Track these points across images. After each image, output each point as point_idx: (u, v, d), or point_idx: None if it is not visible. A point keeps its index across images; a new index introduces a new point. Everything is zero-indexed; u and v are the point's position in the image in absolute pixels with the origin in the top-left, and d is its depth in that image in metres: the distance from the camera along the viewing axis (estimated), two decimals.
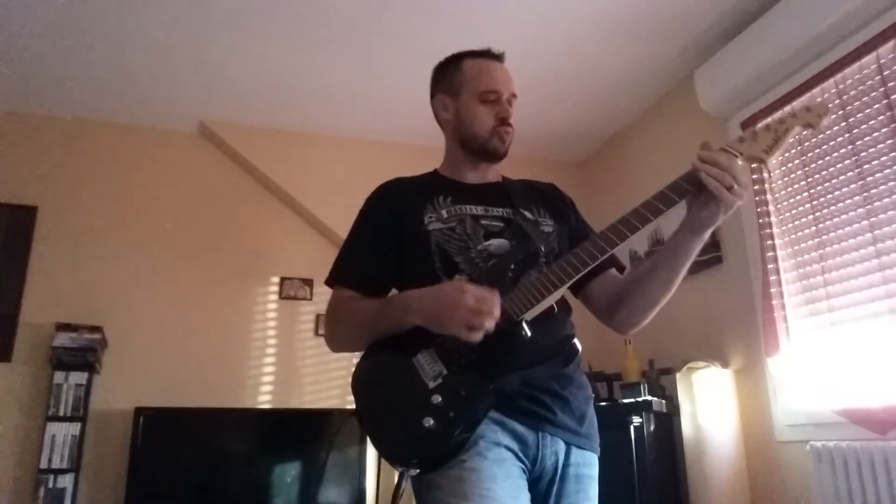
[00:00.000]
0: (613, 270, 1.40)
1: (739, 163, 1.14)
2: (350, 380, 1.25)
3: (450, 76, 1.43)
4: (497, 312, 1.10)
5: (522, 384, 1.19)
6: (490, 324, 1.08)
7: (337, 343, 1.36)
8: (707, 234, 1.20)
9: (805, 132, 1.20)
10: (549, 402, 1.22)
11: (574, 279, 1.16)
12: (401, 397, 1.07)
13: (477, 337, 1.08)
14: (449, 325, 1.10)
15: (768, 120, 1.22)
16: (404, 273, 1.33)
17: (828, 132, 2.67)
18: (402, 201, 1.38)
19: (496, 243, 1.29)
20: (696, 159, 1.13)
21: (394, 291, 1.37)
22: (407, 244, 1.33)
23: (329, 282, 1.39)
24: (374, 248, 1.36)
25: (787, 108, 1.10)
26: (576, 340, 1.15)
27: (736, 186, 1.11)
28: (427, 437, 1.08)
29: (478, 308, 1.08)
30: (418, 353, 1.15)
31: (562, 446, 1.22)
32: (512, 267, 1.22)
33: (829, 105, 1.20)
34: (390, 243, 1.34)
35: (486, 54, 1.42)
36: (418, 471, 1.11)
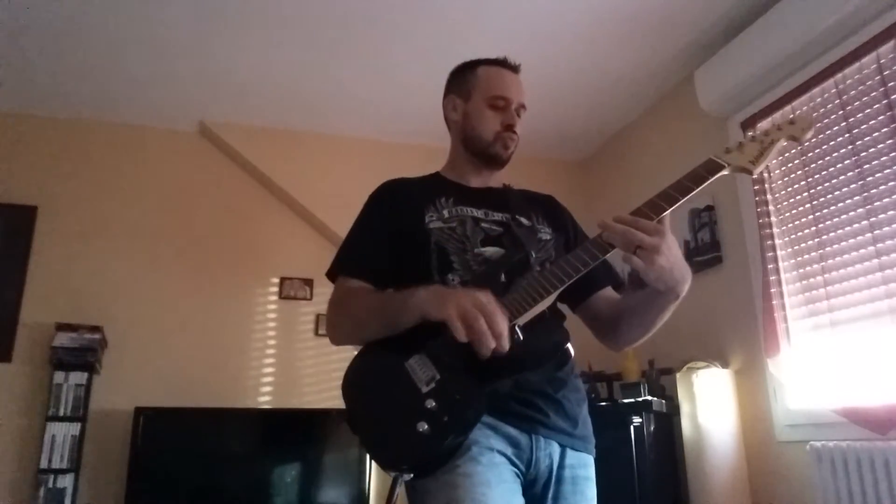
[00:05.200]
0: (608, 290, 1.41)
1: (656, 222, 1.08)
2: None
3: (464, 79, 1.45)
4: (502, 330, 1.03)
5: (515, 387, 1.18)
6: (488, 342, 1.03)
7: (339, 335, 1.33)
8: (666, 291, 1.17)
9: (787, 144, 1.20)
10: (541, 404, 1.22)
11: (566, 285, 1.13)
12: (393, 402, 1.05)
13: (462, 338, 1.03)
14: (448, 306, 1.05)
15: (754, 131, 1.21)
16: (399, 268, 1.33)
17: (828, 132, 2.68)
18: (404, 198, 1.39)
19: (492, 251, 1.30)
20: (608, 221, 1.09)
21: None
22: (406, 240, 1.33)
23: (332, 273, 1.38)
24: (377, 238, 1.36)
25: (772, 120, 1.11)
26: (569, 346, 1.15)
27: (640, 250, 1.05)
28: (421, 441, 1.07)
29: (482, 308, 1.04)
30: (410, 357, 1.14)
31: (556, 448, 1.22)
32: (504, 271, 1.21)
33: (814, 116, 1.19)
34: (391, 236, 1.34)
35: (503, 63, 1.44)
36: (412, 475, 1.10)
